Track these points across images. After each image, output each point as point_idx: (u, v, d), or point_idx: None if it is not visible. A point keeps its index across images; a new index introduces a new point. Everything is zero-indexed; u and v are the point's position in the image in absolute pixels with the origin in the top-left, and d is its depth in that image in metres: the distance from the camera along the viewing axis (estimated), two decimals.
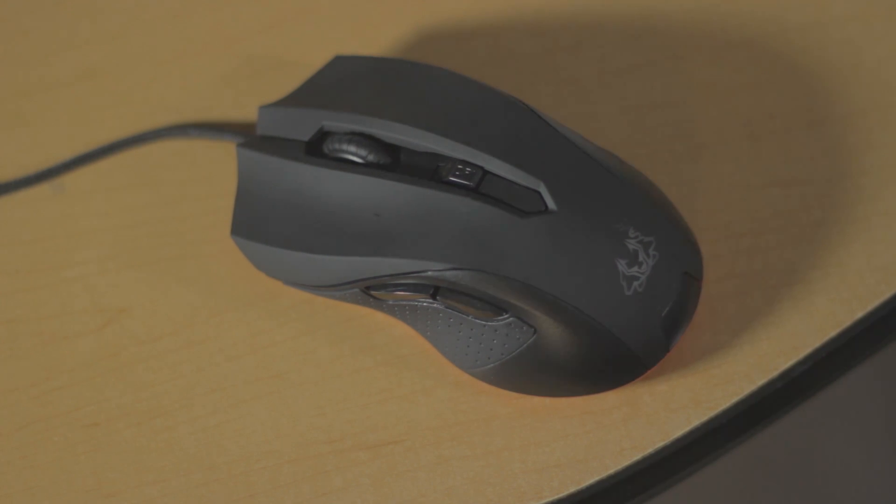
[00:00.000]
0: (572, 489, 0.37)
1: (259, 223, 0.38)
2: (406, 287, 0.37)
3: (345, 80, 0.40)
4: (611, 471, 0.38)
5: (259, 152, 0.39)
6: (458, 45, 0.43)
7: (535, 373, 0.37)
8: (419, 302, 0.37)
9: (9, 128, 0.42)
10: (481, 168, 0.37)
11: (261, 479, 0.38)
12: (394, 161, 0.38)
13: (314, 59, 0.43)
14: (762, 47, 0.43)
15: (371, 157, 0.38)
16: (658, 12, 0.43)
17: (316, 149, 0.39)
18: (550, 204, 0.37)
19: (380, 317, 0.39)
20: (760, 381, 0.39)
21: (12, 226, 0.41)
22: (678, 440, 0.38)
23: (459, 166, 0.37)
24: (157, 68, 0.43)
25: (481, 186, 0.37)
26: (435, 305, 0.37)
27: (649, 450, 0.38)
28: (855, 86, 0.42)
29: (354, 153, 0.38)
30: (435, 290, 0.37)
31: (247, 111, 0.42)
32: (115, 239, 0.41)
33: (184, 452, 0.38)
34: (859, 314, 0.40)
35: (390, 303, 0.38)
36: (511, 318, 0.36)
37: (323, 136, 0.39)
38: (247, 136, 0.41)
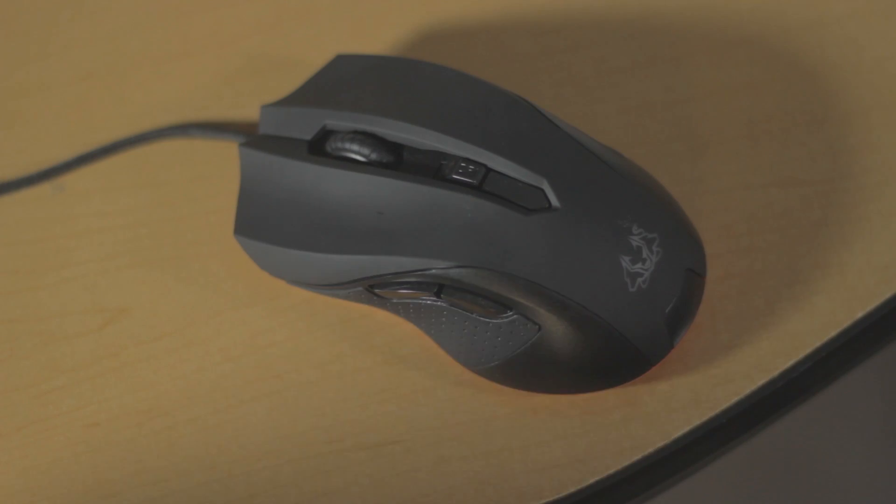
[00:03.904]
0: (572, 489, 0.37)
1: (262, 222, 0.38)
2: (410, 285, 0.37)
3: (347, 79, 0.40)
4: (611, 471, 0.38)
5: (261, 151, 0.39)
6: (459, 45, 0.43)
7: (539, 370, 0.37)
8: (423, 300, 0.37)
9: (9, 128, 0.42)
10: (484, 166, 0.37)
11: (261, 479, 0.38)
12: (397, 159, 0.38)
13: (314, 59, 0.43)
14: (762, 47, 0.43)
15: (374, 156, 0.38)
16: (658, 12, 0.43)
17: (318, 148, 0.39)
18: (554, 201, 0.37)
19: (380, 317, 0.39)
20: (760, 381, 0.39)
21: (12, 226, 0.41)
22: (678, 440, 0.38)
23: (462, 164, 0.37)
24: (157, 68, 0.43)
25: (484, 184, 0.37)
26: (439, 303, 0.37)
27: (649, 450, 0.38)
28: (855, 85, 0.42)
29: (357, 152, 0.38)
30: (439, 287, 0.37)
31: (247, 111, 0.42)
32: (115, 239, 0.41)
33: (184, 452, 0.38)
34: (859, 314, 0.40)
35: (394, 301, 0.38)
36: (515, 316, 0.36)
37: (325, 134, 0.39)
38: (249, 135, 0.41)
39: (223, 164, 0.42)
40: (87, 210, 0.41)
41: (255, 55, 0.43)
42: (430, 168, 0.38)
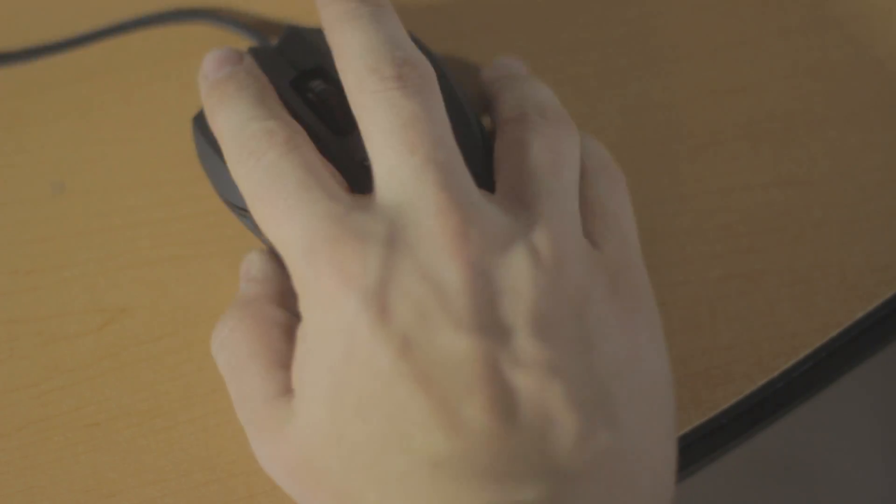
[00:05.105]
0: None
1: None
2: None
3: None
4: None
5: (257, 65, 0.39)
6: (459, 45, 0.43)
7: None
8: None
9: (9, 128, 0.42)
10: None
11: (261, 478, 0.38)
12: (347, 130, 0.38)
13: None
14: (762, 47, 0.43)
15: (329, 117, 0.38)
16: (658, 12, 0.43)
17: (302, 84, 0.38)
18: None
19: None
20: (760, 381, 0.39)
21: (12, 226, 0.41)
22: (678, 440, 0.38)
23: None
24: (157, 68, 0.43)
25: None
26: None
27: None
28: (855, 85, 0.42)
29: (322, 107, 0.38)
30: None
31: None
32: (115, 239, 0.41)
33: (184, 452, 0.38)
34: (859, 314, 0.40)
35: None
36: None
37: (314, 74, 0.39)
38: (263, 44, 0.41)
39: None
40: (87, 210, 0.41)
41: None
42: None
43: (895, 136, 0.42)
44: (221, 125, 0.36)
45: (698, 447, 0.39)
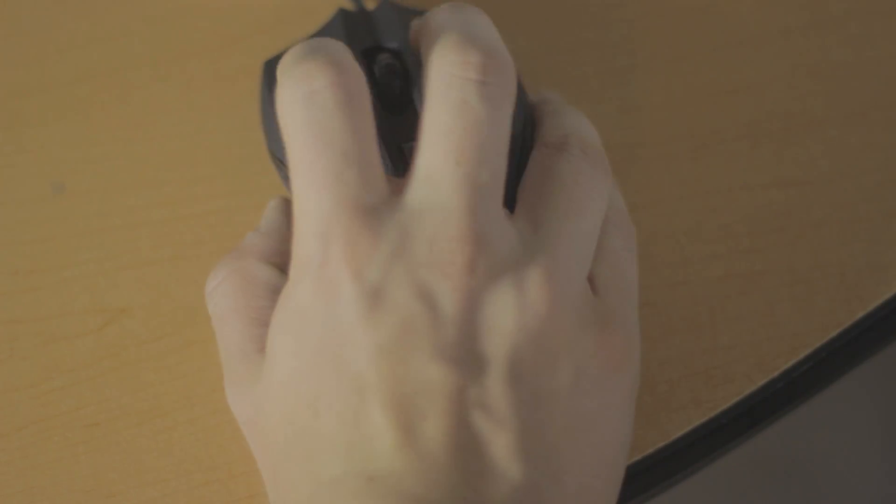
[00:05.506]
0: None
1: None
2: None
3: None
4: None
5: (334, 30, 0.39)
6: None
7: None
8: None
9: (9, 128, 0.42)
10: None
11: (261, 479, 0.38)
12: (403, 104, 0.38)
13: None
14: (762, 47, 0.43)
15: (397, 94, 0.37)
16: (658, 12, 0.43)
17: (372, 55, 0.38)
18: None
19: None
20: (760, 381, 0.39)
21: (12, 226, 0.41)
22: (678, 440, 0.38)
23: None
24: (158, 69, 0.43)
25: None
26: None
27: (649, 450, 0.38)
28: (855, 85, 0.42)
29: (383, 80, 0.38)
30: None
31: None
32: (115, 239, 0.41)
33: (184, 452, 0.38)
34: (859, 314, 0.40)
35: None
36: None
37: (386, 50, 0.38)
38: (358, 7, 0.40)
39: (223, 164, 0.41)
40: (87, 210, 0.41)
41: (255, 55, 0.43)
42: None
43: (894, 136, 0.42)
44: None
45: (698, 447, 0.39)
